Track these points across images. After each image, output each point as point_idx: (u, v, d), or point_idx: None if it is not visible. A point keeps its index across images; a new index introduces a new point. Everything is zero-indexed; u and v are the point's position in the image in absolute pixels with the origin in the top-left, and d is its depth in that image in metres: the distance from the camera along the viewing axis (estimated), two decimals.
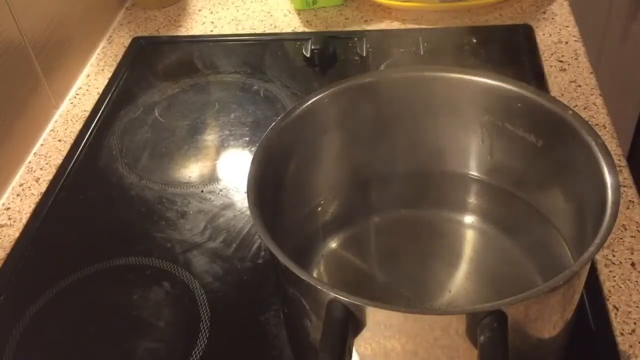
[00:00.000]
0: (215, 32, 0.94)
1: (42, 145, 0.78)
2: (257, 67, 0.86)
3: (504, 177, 0.59)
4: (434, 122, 0.58)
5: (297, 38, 0.90)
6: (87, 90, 0.86)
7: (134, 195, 0.70)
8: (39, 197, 0.72)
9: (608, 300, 0.56)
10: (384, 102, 0.57)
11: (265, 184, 0.50)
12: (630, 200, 0.64)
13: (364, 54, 0.84)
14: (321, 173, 0.59)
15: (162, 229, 0.66)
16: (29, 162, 0.76)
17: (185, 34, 0.94)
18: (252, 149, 0.74)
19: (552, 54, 0.82)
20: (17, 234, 0.68)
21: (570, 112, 0.51)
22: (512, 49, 0.84)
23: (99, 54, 0.92)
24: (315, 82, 0.83)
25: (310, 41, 0.85)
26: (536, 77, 0.78)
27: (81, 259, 0.64)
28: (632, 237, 0.61)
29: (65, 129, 0.80)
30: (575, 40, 0.84)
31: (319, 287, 0.42)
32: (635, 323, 0.55)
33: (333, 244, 0.59)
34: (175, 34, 0.94)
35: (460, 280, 0.56)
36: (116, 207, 0.70)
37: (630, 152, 1.50)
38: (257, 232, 0.62)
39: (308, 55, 0.84)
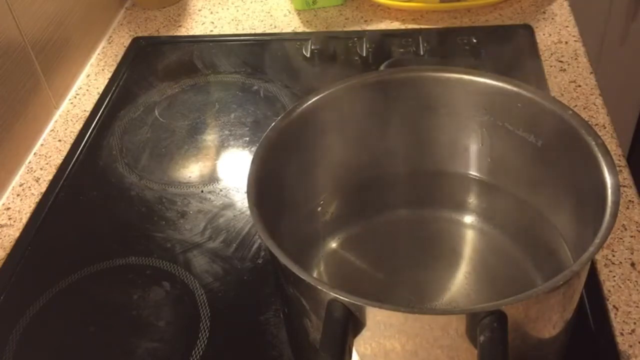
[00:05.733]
0: (215, 32, 0.94)
1: (42, 145, 0.78)
2: (257, 67, 0.86)
3: (504, 177, 0.59)
4: (434, 122, 0.58)
5: (297, 38, 0.90)
6: (87, 90, 0.86)
7: (134, 195, 0.70)
8: (39, 197, 0.72)
9: (608, 300, 0.56)
10: (384, 102, 0.57)
11: (265, 184, 0.50)
12: (630, 200, 0.64)
13: (364, 54, 0.84)
14: (321, 173, 0.59)
15: (162, 229, 0.66)
16: (29, 162, 0.76)
17: (185, 34, 0.94)
18: (252, 149, 0.74)
19: (552, 54, 0.82)
20: (17, 234, 0.68)
21: (570, 112, 0.51)
22: (512, 49, 0.84)
23: (99, 54, 0.92)
24: (315, 82, 0.82)
25: (310, 41, 0.85)
26: (536, 77, 0.78)
27: (81, 259, 0.64)
28: (632, 237, 0.61)
29: (65, 129, 0.80)
30: (575, 40, 0.84)
31: (319, 287, 0.42)
32: (635, 323, 0.55)
33: (333, 244, 0.59)
34: (175, 34, 0.94)
35: (460, 280, 0.56)
36: (116, 207, 0.70)
37: (630, 152, 1.50)
38: (257, 232, 0.62)
39: (308, 55, 0.85)
